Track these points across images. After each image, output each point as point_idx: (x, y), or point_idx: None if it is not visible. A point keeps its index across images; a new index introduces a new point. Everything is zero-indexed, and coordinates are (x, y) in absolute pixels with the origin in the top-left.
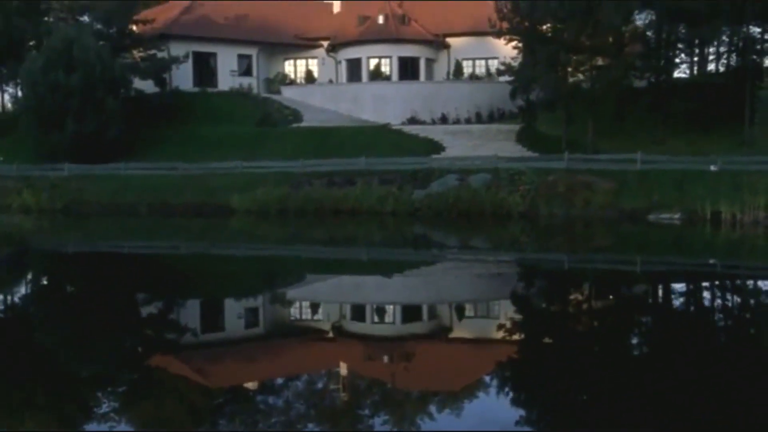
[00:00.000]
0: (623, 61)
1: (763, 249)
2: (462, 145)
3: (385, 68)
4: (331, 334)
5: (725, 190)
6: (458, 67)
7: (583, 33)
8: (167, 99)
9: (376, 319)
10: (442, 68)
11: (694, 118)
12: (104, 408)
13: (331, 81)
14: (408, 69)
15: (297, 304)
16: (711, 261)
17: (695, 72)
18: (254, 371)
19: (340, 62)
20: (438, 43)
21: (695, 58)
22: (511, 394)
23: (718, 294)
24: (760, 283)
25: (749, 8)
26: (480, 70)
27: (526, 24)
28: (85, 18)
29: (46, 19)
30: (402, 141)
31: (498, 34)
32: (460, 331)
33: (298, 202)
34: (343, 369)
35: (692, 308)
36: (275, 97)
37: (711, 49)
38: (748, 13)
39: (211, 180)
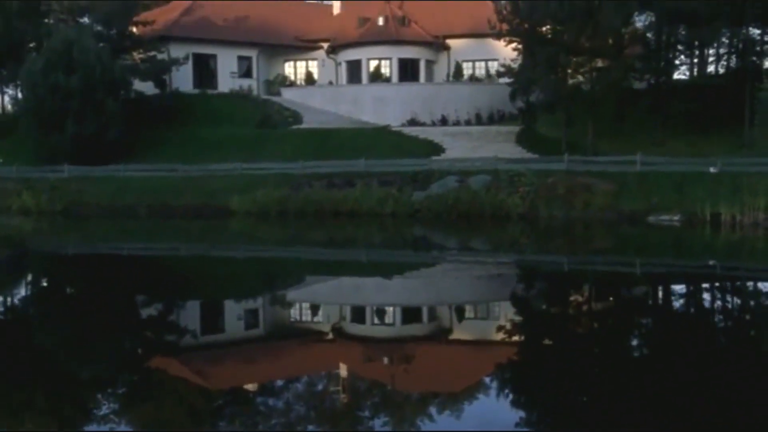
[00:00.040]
0: (623, 62)
1: (763, 251)
2: (462, 146)
3: (385, 70)
4: (331, 336)
5: (725, 192)
6: (458, 69)
7: (582, 35)
8: (167, 101)
9: (376, 320)
10: (442, 70)
11: (693, 120)
12: (104, 410)
13: (331, 83)
14: (408, 71)
15: (297, 306)
16: (711, 263)
17: (695, 73)
18: (254, 373)
19: (340, 64)
20: (438, 45)
21: (695, 60)
22: (511, 396)
23: (718, 296)
24: (759, 284)
25: (749, 10)
26: (480, 71)
27: (526, 26)
28: (86, 20)
29: (46, 20)
30: (402, 142)
31: (498, 36)
32: (460, 333)
33: (297, 204)
34: (343, 370)
35: (692, 310)
36: (275, 98)
37: (711, 51)
38: (747, 14)
39: (210, 182)
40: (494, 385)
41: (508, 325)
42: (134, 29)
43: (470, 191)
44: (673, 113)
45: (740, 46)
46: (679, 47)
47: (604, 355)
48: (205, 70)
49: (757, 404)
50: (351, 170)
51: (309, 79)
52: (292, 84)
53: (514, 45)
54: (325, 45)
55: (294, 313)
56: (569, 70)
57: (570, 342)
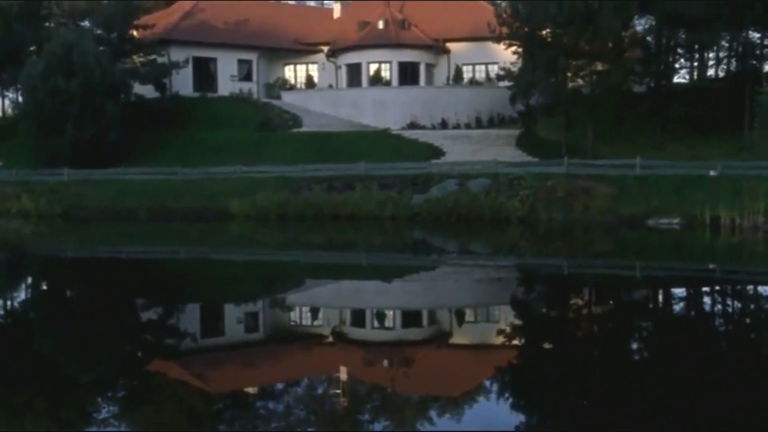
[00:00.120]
0: (623, 66)
1: (763, 254)
2: (462, 150)
3: (385, 73)
4: (330, 339)
5: (725, 195)
6: (458, 72)
7: (582, 38)
8: (167, 104)
9: (375, 324)
10: (442, 73)
11: (693, 123)
12: (104, 413)
13: (331, 86)
14: (408, 74)
15: (297, 309)
16: (710, 266)
17: (695, 77)
18: (254, 376)
19: (340, 67)
20: (438, 48)
21: (695, 63)
22: (511, 400)
23: (718, 299)
24: (759, 288)
25: (748, 13)
26: (480, 75)
27: (526, 29)
28: (86, 23)
29: (46, 24)
30: (402, 146)
31: (498, 39)
32: (459, 337)
33: (297, 207)
34: (343, 374)
35: (692, 313)
36: (275, 102)
37: (710, 54)
38: (747, 18)
39: (210, 185)
40: (494, 388)
41: (508, 329)
42: (134, 33)
43: (470, 194)
44: (672, 117)
45: (740, 49)
46: (679, 51)
47: (604, 358)
48: (205, 73)
49: (758, 407)
50: (351, 173)
51: (309, 82)
52: (292, 87)
53: (514, 48)
54: (326, 48)
55: (294, 316)
56: (569, 74)
57: (570, 345)
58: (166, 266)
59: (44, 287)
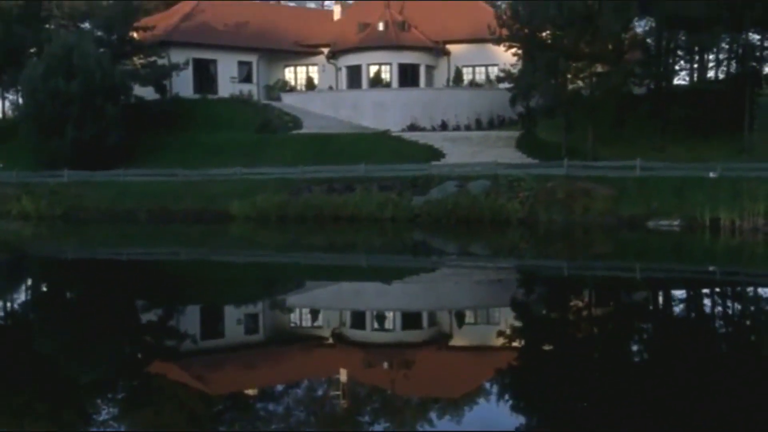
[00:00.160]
0: (623, 68)
1: (763, 256)
2: (462, 151)
3: (385, 75)
4: (331, 341)
5: (724, 197)
6: (458, 74)
7: (582, 40)
8: (167, 106)
9: (376, 325)
10: (442, 75)
11: (693, 125)
12: (104, 415)
13: (331, 88)
14: (408, 76)
15: (297, 311)
16: (710, 268)
17: (695, 79)
18: (254, 378)
19: (340, 69)
20: (438, 50)
21: (695, 65)
22: (511, 401)
23: (718, 301)
24: (759, 289)
25: (748, 15)
26: (480, 76)
27: (526, 31)
28: (86, 25)
29: (46, 26)
30: (402, 148)
31: (497, 41)
32: (459, 338)
33: (297, 209)
34: (343, 376)
35: (692, 315)
36: (275, 103)
37: (710, 56)
38: (747, 20)
39: (210, 186)
40: (494, 390)
41: (508, 331)
42: (135, 34)
43: (470, 196)
44: (672, 118)
45: (740, 51)
46: (679, 52)
47: (604, 360)
48: (205, 75)
49: (758, 409)
50: (351, 175)
51: (309, 84)
52: (293, 89)
53: (513, 50)
54: (326, 50)
55: (294, 318)
56: (569, 75)
57: (570, 347)
58: (167, 268)
59: (44, 289)
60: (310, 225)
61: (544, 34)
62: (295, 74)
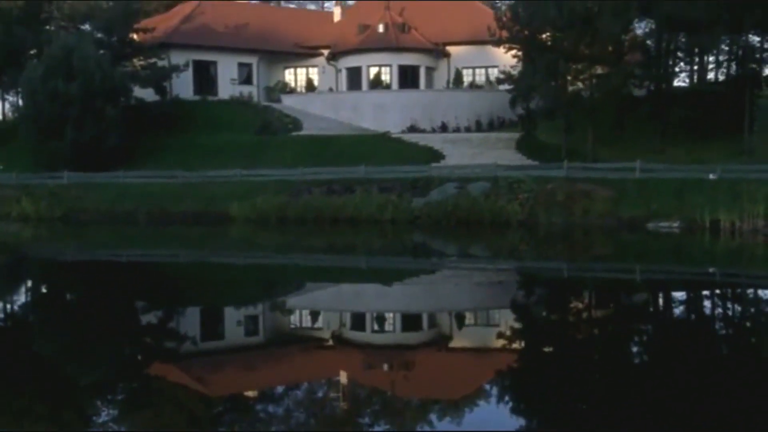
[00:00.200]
0: (623, 69)
1: (763, 258)
2: (462, 153)
3: (385, 77)
4: (330, 343)
5: (724, 199)
6: (458, 76)
7: (582, 42)
8: (167, 107)
9: (375, 327)
10: (442, 77)
11: (693, 127)
12: (103, 416)
13: (331, 89)
14: (408, 77)
15: (297, 313)
16: (710, 270)
17: (695, 80)
18: (254, 380)
19: (340, 71)
20: (438, 52)
21: (695, 67)
22: (511, 403)
23: (718, 303)
24: (759, 291)
25: (748, 17)
26: (480, 78)
27: (526, 33)
28: (86, 26)
29: (47, 27)
30: (402, 149)
31: (497, 43)
32: (460, 340)
33: (297, 210)
34: (343, 377)
35: (692, 317)
36: (275, 105)
37: (710, 58)
38: (747, 21)
39: (210, 188)
40: (494, 392)
41: (508, 332)
42: (135, 36)
43: (469, 198)
44: (672, 120)
45: (740, 53)
46: (679, 54)
47: (605, 362)
48: (205, 76)
49: (758, 412)
50: (351, 177)
51: (309, 85)
52: (293, 91)
53: (513, 52)
54: (326, 52)
55: (294, 319)
56: (569, 77)
57: (570, 349)
58: (166, 269)
59: (44, 290)
60: (309, 226)
61: (544, 35)
62: (295, 76)
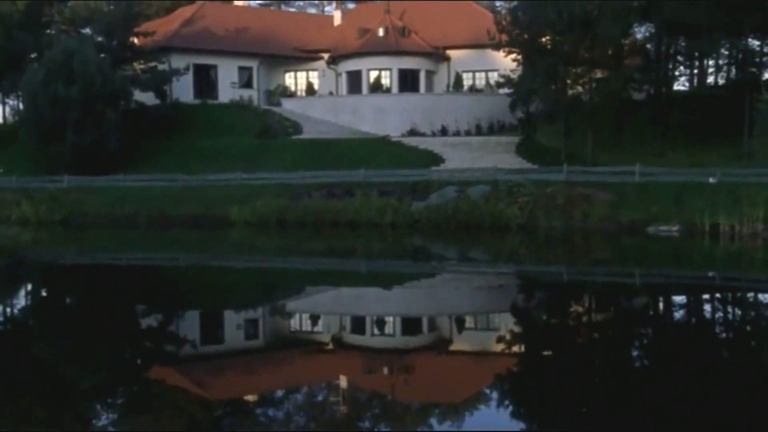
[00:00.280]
0: (622, 73)
1: (762, 261)
2: (462, 157)
3: (385, 80)
4: (330, 346)
5: (724, 203)
6: (458, 80)
7: (582, 45)
8: (167, 111)
9: (375, 331)
10: (442, 80)
11: (693, 131)
12: (103, 420)
13: (331, 93)
14: (408, 81)
15: (296, 316)
16: (710, 273)
17: (694, 84)
18: (254, 383)
19: (340, 74)
20: (438, 56)
21: (695, 71)
22: (511, 407)
23: (718, 306)
24: (759, 295)
25: (748, 21)
26: (480, 82)
27: (525, 36)
28: (87, 30)
29: (47, 31)
30: (402, 153)
31: (497, 47)
32: (460, 344)
33: (297, 214)
34: (343, 381)
35: (692, 321)
36: (275, 109)
37: (710, 62)
38: (747, 26)
39: (210, 191)
40: (494, 395)
41: (508, 336)
42: (135, 40)
43: (469, 201)
44: (672, 124)
45: (739, 57)
46: (679, 58)
47: (604, 366)
48: (205, 80)
49: (758, 415)
50: (350, 180)
51: (309, 89)
52: (293, 94)
53: (513, 56)
54: (326, 55)
55: (294, 323)
56: (569, 81)
57: (570, 353)
58: (166, 273)
59: (44, 294)
60: (309, 230)
61: (543, 39)
62: (295, 79)
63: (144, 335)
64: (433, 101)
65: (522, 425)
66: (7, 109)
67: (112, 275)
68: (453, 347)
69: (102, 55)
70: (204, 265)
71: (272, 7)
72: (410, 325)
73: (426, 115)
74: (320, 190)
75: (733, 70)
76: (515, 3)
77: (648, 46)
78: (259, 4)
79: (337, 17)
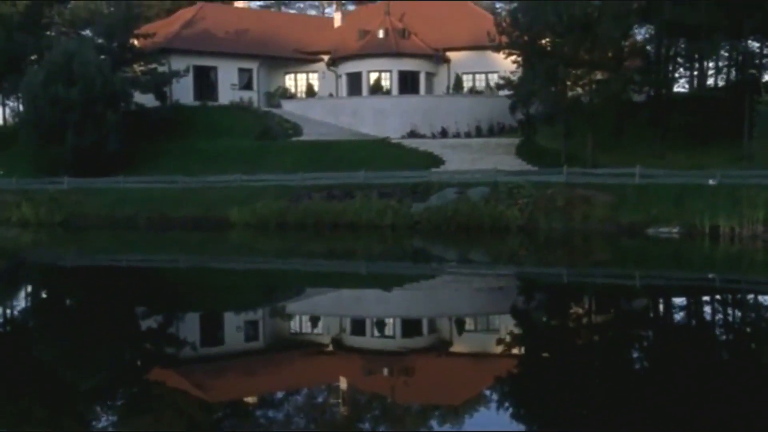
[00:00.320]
0: (622, 75)
1: (762, 263)
2: (462, 158)
3: (385, 82)
4: (330, 348)
5: (724, 204)
6: (458, 81)
7: (582, 47)
8: (167, 113)
9: (375, 332)
10: (442, 82)
11: (693, 132)
12: (103, 421)
13: (331, 95)
14: (408, 83)
15: (296, 318)
16: (710, 275)
17: (694, 86)
18: (254, 385)
19: (340, 76)
20: (438, 57)
21: (695, 73)
22: (511, 409)
23: (718, 308)
24: (759, 297)
25: (748, 23)
26: (480, 84)
27: (525, 38)
28: (87, 32)
29: (47, 33)
30: (402, 155)
31: (497, 49)
32: (460, 345)
33: (297, 216)
34: (343, 383)
35: (692, 322)
36: (275, 110)
37: (710, 64)
38: (747, 27)
39: (210, 193)
40: (494, 397)
41: (508, 338)
42: (135, 42)
43: (469, 203)
44: (672, 126)
45: (739, 59)
46: (679, 60)
47: (604, 367)
48: (205, 82)
49: (758, 417)
50: (350, 182)
51: (309, 91)
52: (293, 96)
53: (513, 57)
54: (326, 57)
55: (294, 325)
56: (569, 83)
57: (570, 354)
58: (166, 275)
59: (44, 296)
60: (309, 232)
61: (543, 41)
62: (295, 81)
63: (144, 337)
64: (433, 103)
65: (522, 427)
66: (7, 110)
67: (112, 277)
68: (453, 349)
69: (102, 57)
70: (204, 267)
71: (272, 9)
72: (410, 327)
73: (426, 117)
74: (320, 191)
75: (733, 72)
76: (515, 5)
77: (648, 47)
78: (259, 6)
79: (337, 19)
